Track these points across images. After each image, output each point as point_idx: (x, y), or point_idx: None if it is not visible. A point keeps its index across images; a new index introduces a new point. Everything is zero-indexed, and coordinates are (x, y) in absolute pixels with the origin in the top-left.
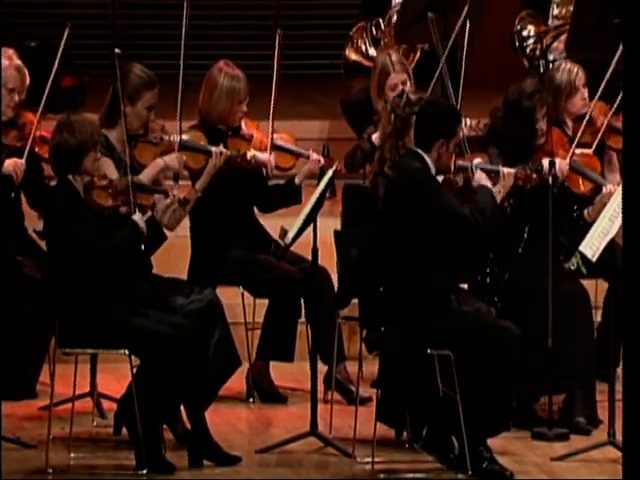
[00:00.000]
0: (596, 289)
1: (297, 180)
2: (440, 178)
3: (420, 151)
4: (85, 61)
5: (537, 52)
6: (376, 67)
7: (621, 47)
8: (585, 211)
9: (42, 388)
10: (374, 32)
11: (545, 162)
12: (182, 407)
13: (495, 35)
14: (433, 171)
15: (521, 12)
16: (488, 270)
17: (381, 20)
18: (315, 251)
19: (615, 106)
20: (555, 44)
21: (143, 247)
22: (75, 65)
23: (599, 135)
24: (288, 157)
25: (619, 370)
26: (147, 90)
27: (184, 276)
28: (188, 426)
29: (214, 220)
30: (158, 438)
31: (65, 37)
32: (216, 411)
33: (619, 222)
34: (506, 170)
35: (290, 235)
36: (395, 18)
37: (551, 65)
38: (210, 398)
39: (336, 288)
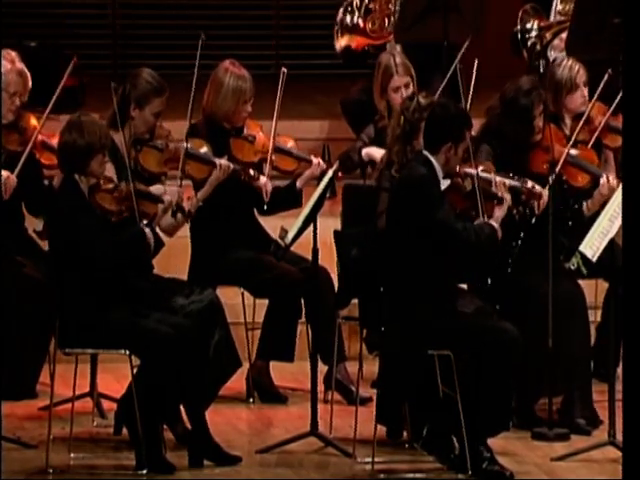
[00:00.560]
0: (596, 289)
1: (298, 184)
2: (447, 182)
3: (428, 154)
4: (85, 61)
5: (538, 47)
6: (379, 67)
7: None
8: (584, 204)
9: (42, 388)
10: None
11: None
12: (182, 407)
13: (495, 35)
14: (440, 175)
15: (525, 5)
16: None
17: None
18: (315, 251)
19: (613, 106)
20: (556, 41)
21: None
22: (75, 65)
23: (595, 134)
24: (290, 161)
25: (619, 370)
26: (156, 96)
27: (184, 276)
28: (188, 426)
29: (214, 220)
30: (158, 438)
31: (70, 69)
32: (216, 411)
33: (619, 222)
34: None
35: (290, 235)
36: None
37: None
38: (210, 398)
39: (336, 288)
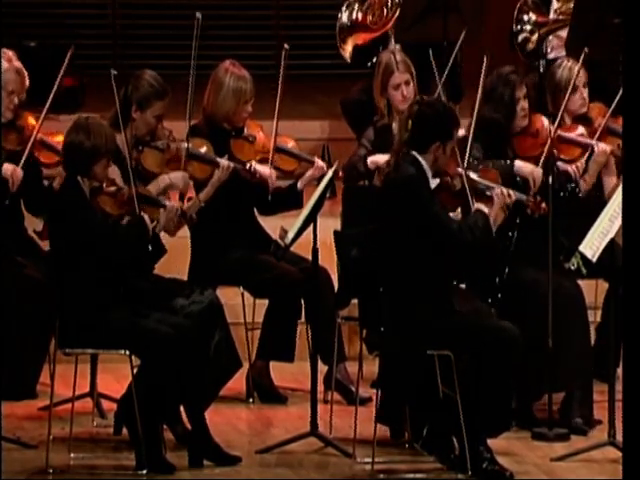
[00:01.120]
0: (596, 289)
1: (299, 185)
2: (436, 181)
3: (417, 154)
4: (85, 61)
5: (529, 43)
6: (380, 65)
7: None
8: (581, 180)
9: (42, 388)
10: None
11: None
12: (182, 407)
13: (495, 35)
14: (429, 174)
15: None
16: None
17: None
18: (315, 251)
19: (612, 107)
20: (555, 41)
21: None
22: (75, 65)
23: (596, 135)
24: (291, 161)
25: (619, 370)
26: (157, 100)
27: (184, 277)
28: (188, 426)
29: (214, 220)
30: (158, 438)
31: (68, 58)
32: (216, 411)
33: (619, 222)
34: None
35: (290, 235)
36: None
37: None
38: (210, 399)
39: (336, 288)
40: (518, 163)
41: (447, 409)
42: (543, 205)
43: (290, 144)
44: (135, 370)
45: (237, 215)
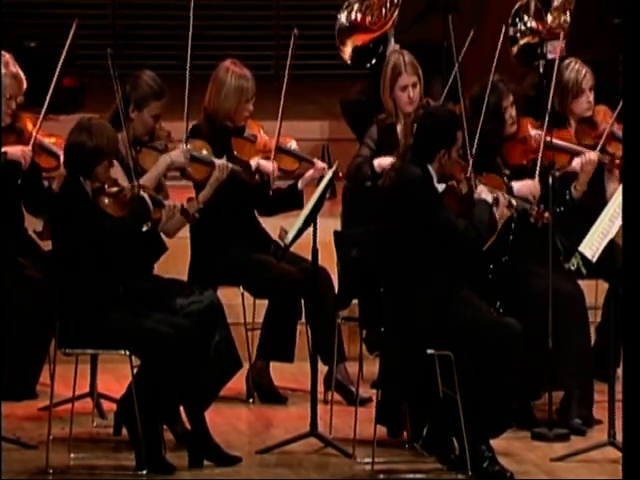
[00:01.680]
0: (596, 289)
1: (300, 185)
2: (442, 186)
3: (429, 167)
4: (85, 61)
5: (515, 48)
6: (388, 65)
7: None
8: (572, 187)
9: (42, 388)
10: None
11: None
12: (182, 407)
13: (495, 35)
14: (435, 179)
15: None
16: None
17: None
18: (315, 251)
19: (617, 112)
20: (552, 42)
21: (144, 255)
22: (75, 65)
23: (601, 141)
24: (292, 160)
25: (619, 370)
26: (155, 99)
27: (184, 277)
28: (188, 426)
29: (214, 220)
30: (158, 438)
31: (72, 33)
32: (216, 411)
33: (619, 222)
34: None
35: (290, 235)
36: None
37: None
38: (210, 399)
39: (336, 288)
40: (516, 185)
41: (447, 409)
42: (546, 214)
43: (290, 144)
44: (135, 370)
45: (237, 215)
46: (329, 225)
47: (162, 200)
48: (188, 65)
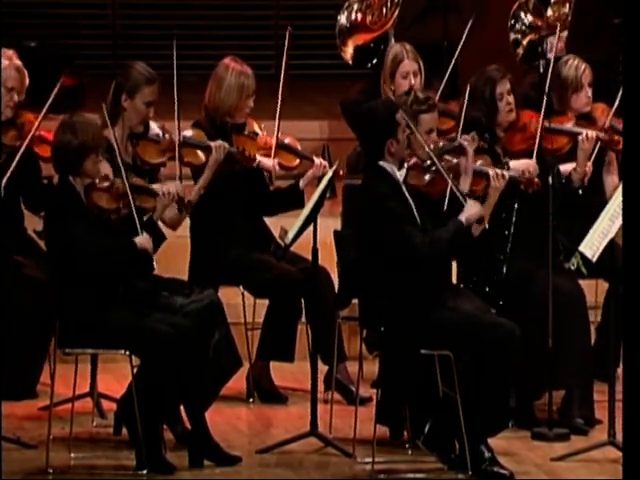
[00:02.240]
0: (596, 289)
1: (301, 184)
2: (403, 172)
3: (382, 164)
4: (85, 61)
5: (520, 49)
6: (389, 54)
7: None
8: (571, 171)
9: (42, 388)
10: None
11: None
12: (182, 407)
13: (495, 35)
14: (400, 178)
15: None
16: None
17: None
18: (315, 251)
19: (615, 107)
20: (550, 39)
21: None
22: (75, 65)
23: (605, 124)
24: (292, 157)
25: (619, 370)
26: (146, 85)
27: (184, 276)
28: (188, 426)
29: (214, 220)
30: (158, 438)
31: None
32: (216, 411)
33: (619, 222)
34: (496, 171)
35: (290, 235)
36: None
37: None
38: (210, 398)
39: (336, 288)
40: (512, 163)
41: (447, 409)
42: (536, 180)
43: (289, 140)
44: (135, 370)
45: (237, 215)
46: (329, 225)
47: (155, 189)
48: (175, 64)
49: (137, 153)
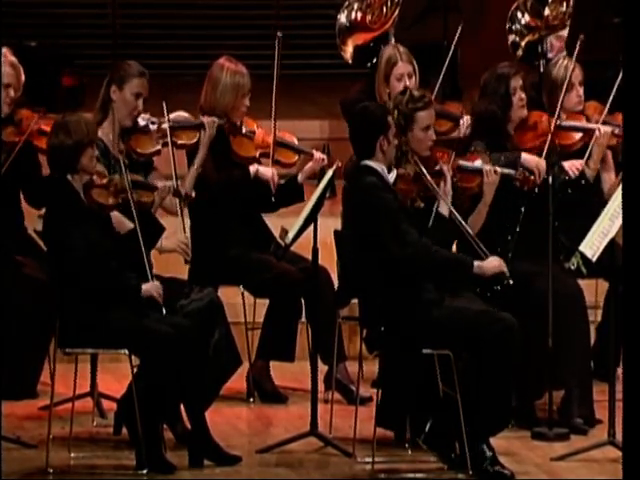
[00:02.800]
0: (596, 289)
1: (300, 178)
2: (394, 174)
3: (368, 162)
4: (85, 61)
5: (519, 49)
6: (383, 57)
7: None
8: (585, 165)
9: (42, 388)
10: None
11: (528, 158)
12: (182, 407)
13: (495, 35)
14: (390, 179)
15: None
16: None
17: None
18: (315, 251)
19: (608, 105)
20: (551, 39)
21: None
22: (75, 65)
23: (601, 118)
24: (290, 153)
25: (619, 370)
26: (135, 77)
27: (184, 276)
28: (188, 426)
29: (214, 220)
30: (158, 438)
31: None
32: (216, 411)
33: (619, 222)
34: (488, 167)
35: (290, 235)
36: None
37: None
38: (211, 398)
39: (336, 288)
40: (524, 155)
41: (447, 408)
42: (532, 177)
43: (287, 137)
44: (135, 370)
45: (237, 215)
46: (329, 225)
47: (153, 184)
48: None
49: (131, 147)
